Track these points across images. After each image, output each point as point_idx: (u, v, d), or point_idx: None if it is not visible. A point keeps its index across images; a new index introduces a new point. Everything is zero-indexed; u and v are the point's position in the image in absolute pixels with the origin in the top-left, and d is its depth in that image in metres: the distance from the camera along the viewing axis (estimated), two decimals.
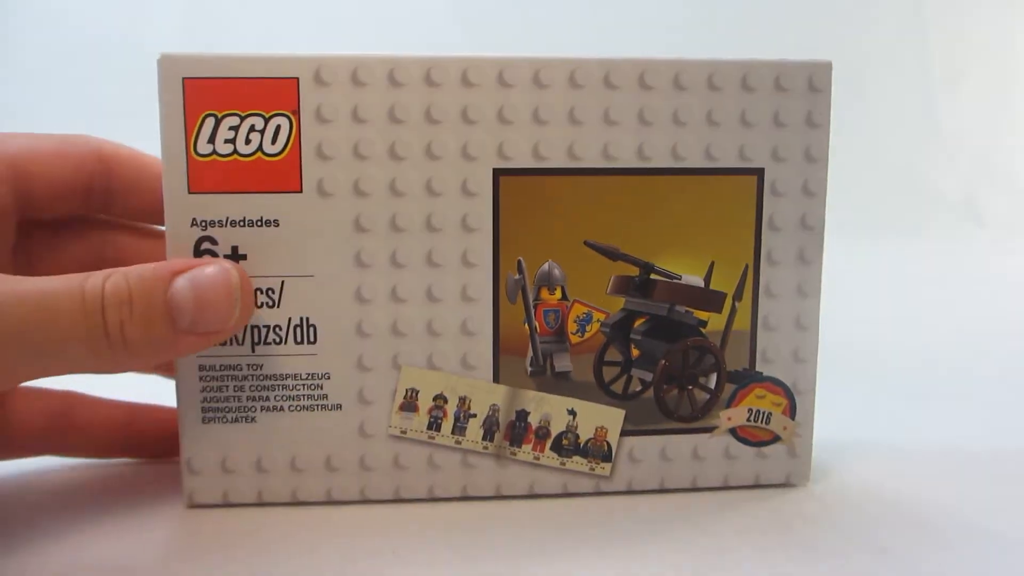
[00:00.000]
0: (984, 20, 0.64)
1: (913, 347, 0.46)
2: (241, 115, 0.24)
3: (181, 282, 0.22)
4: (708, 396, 0.27)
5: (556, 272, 0.26)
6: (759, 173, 0.26)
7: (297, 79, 0.24)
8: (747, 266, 0.26)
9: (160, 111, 0.24)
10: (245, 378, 0.25)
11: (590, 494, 0.27)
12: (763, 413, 0.27)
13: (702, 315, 0.27)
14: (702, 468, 0.27)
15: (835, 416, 0.29)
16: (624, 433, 0.27)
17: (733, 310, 0.26)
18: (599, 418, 0.26)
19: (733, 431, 0.27)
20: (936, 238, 0.58)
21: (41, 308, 0.21)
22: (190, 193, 0.24)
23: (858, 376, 0.40)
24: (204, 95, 0.24)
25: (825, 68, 0.26)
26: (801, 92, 0.26)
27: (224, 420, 0.25)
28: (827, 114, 0.26)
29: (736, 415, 0.27)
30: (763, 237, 0.26)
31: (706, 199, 0.26)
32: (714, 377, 0.27)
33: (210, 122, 0.24)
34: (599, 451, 0.27)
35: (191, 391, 0.25)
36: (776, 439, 0.27)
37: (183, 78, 0.24)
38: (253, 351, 0.25)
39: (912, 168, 0.61)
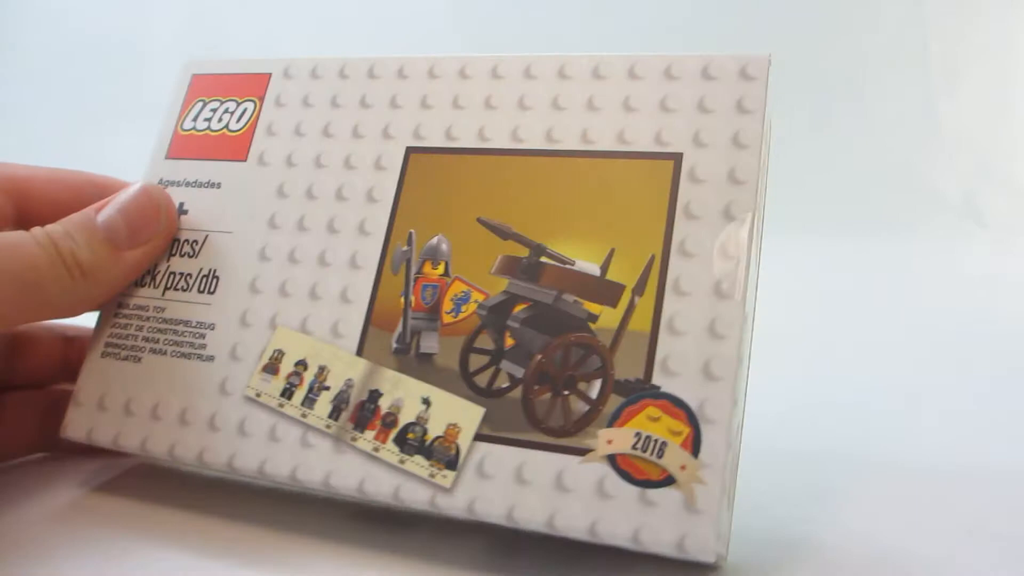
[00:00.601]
0: (984, 19, 0.60)
1: (912, 349, 0.42)
2: (222, 100, 0.28)
3: (107, 208, 0.25)
4: (587, 408, 0.21)
5: (443, 247, 0.24)
6: (677, 158, 0.23)
7: (270, 74, 0.28)
8: (653, 256, 0.22)
9: (169, 99, 0.29)
10: (147, 319, 0.26)
11: (422, 511, 0.22)
12: (655, 441, 0.20)
13: (594, 308, 0.22)
14: (564, 503, 0.20)
15: (812, 434, 0.23)
16: (479, 437, 0.22)
17: (631, 306, 0.22)
18: (454, 413, 0.22)
19: (612, 459, 0.20)
20: (936, 238, 0.53)
21: (14, 248, 0.23)
22: (166, 159, 0.28)
23: (854, 379, 0.37)
24: (202, 86, 0.29)
25: (761, 60, 0.23)
26: (731, 80, 0.23)
27: (117, 357, 0.26)
28: (762, 101, 0.23)
29: (619, 438, 0.21)
30: (675, 224, 0.22)
31: (616, 183, 0.23)
32: (597, 384, 0.21)
33: (198, 105, 0.29)
34: (445, 454, 0.22)
35: (104, 327, 0.27)
36: (669, 480, 0.20)
37: (193, 74, 0.29)
38: (163, 295, 0.26)
39: (911, 167, 0.56)
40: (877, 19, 0.60)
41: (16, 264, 0.23)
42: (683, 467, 0.20)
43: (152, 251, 0.26)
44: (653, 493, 0.20)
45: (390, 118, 0.26)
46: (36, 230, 0.24)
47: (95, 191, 0.28)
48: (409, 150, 0.25)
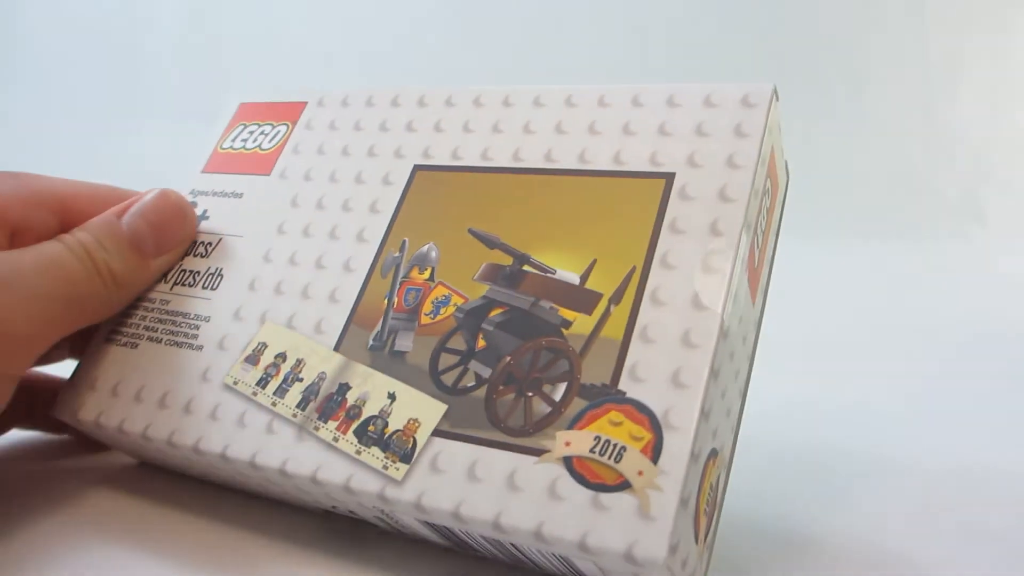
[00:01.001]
0: (984, 18, 0.58)
1: (912, 348, 0.42)
2: (260, 124, 0.30)
3: (133, 217, 0.27)
4: (549, 409, 0.20)
5: (433, 254, 0.24)
6: (669, 177, 0.23)
7: (307, 102, 0.30)
8: (634, 268, 0.22)
9: (218, 124, 0.32)
10: (152, 310, 0.27)
11: (373, 506, 0.21)
12: (614, 445, 0.19)
13: (568, 315, 0.22)
14: (513, 502, 0.19)
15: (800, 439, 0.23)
16: (438, 432, 0.21)
17: (606, 313, 0.21)
18: (416, 408, 0.22)
19: (568, 461, 0.19)
20: (936, 238, 0.52)
21: (58, 268, 0.24)
22: (202, 172, 0.30)
23: (853, 378, 0.37)
24: (246, 112, 0.31)
25: (764, 89, 0.23)
26: (731, 106, 0.23)
27: (117, 343, 0.27)
28: (760, 126, 0.23)
29: (578, 441, 0.19)
30: (660, 238, 0.22)
31: (606, 200, 0.23)
32: (562, 387, 0.20)
33: (239, 128, 0.31)
34: (401, 447, 0.21)
35: (116, 316, 0.28)
36: (624, 485, 0.18)
37: (240, 103, 0.32)
38: (171, 289, 0.27)
39: (912, 168, 0.54)
40: (877, 19, 0.59)
41: (62, 285, 0.24)
42: (640, 472, 0.18)
43: (175, 257, 0.27)
44: (606, 497, 0.18)
45: (404, 140, 0.27)
46: (68, 239, 0.25)
47: None
48: (416, 168, 0.26)
